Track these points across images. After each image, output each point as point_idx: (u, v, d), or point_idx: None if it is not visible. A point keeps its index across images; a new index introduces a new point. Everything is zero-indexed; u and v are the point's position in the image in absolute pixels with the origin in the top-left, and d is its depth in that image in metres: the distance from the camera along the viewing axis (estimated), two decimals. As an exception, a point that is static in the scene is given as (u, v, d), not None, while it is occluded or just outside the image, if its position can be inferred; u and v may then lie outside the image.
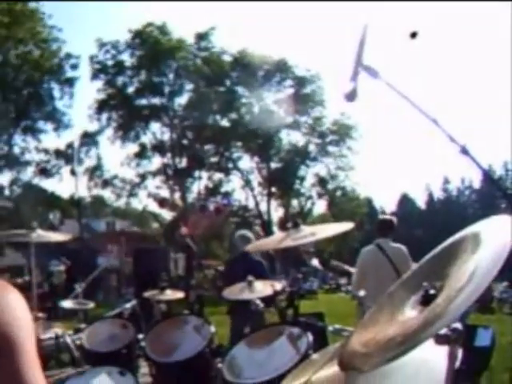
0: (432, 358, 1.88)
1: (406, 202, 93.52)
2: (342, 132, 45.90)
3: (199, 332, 5.17)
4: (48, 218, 42.36)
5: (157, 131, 46.72)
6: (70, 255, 21.69)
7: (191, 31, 45.22)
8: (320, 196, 48.41)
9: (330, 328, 4.25)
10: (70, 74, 43.06)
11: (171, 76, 45.01)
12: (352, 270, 8.33)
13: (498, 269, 1.49)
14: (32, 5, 40.06)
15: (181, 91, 45.87)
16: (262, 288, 5.46)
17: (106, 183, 46.62)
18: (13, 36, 38.72)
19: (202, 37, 45.00)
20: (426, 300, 1.71)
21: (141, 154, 46.51)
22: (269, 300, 5.69)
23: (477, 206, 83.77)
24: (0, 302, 1.94)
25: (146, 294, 6.83)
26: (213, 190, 47.16)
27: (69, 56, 42.53)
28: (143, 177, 46.82)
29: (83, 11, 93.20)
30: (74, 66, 42.88)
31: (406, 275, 2.18)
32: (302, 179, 47.48)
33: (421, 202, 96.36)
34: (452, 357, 1.64)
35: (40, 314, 6.46)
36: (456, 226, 2.23)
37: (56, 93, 43.11)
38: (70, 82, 43.17)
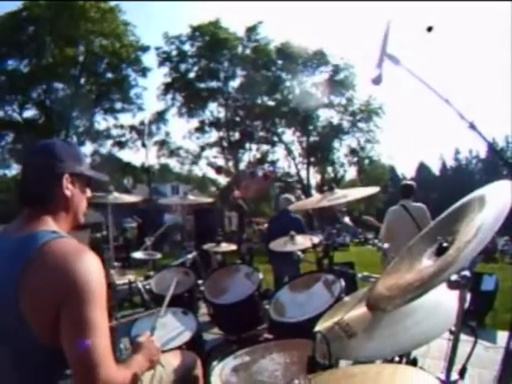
0: (445, 300, 1.87)
1: (423, 169, 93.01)
2: (370, 111, 45.62)
3: (249, 278, 5.19)
4: (122, 183, 42.59)
5: (214, 110, 46.92)
6: (140, 214, 21.84)
7: (242, 26, 45.59)
8: (351, 164, 48.14)
9: (359, 275, 4.23)
10: (144, 64, 43.76)
11: (226, 63, 45.01)
12: (378, 224, 8.32)
13: (500, 225, 1.48)
14: (112, 3, 40.93)
15: (234, 76, 45.85)
16: (302, 241, 5.46)
17: (172, 153, 47.00)
18: (97, 30, 39.47)
19: (251, 30, 45.03)
20: (440, 251, 1.71)
21: (200, 129, 46.75)
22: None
23: (482, 173, 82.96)
24: (73, 265, 1.99)
25: (205, 247, 6.87)
26: (261, 159, 47.06)
27: (142, 47, 43.18)
28: (203, 148, 47.12)
29: (149, 10, 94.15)
30: (145, 49, 43.52)
31: (422, 231, 2.17)
32: (336, 150, 47.27)
33: (435, 169, 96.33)
34: (462, 299, 1.64)
35: (116, 264, 6.52)
36: (465, 190, 2.23)
37: (132, 79, 43.74)
38: (144, 70, 43.75)
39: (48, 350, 2.03)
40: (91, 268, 2.05)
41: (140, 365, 2.32)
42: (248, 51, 44.86)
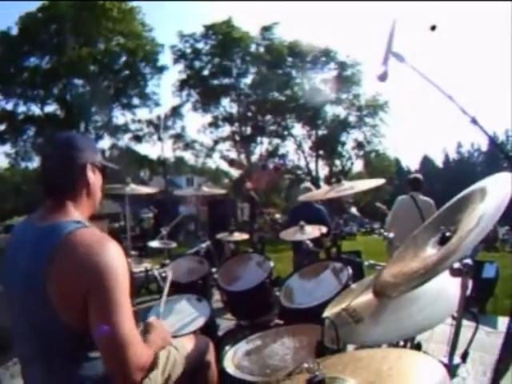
0: (448, 287, 1.88)
1: (426, 162, 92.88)
2: (376, 106, 45.65)
3: (261, 266, 5.19)
4: (139, 175, 42.88)
5: (227, 105, 47.06)
6: (157, 205, 21.89)
7: (253, 24, 45.90)
8: (358, 157, 48.19)
9: (366, 263, 4.25)
10: (160, 61, 44.17)
11: (238, 61, 45.17)
12: (388, 212, 8.33)
13: (500, 215, 1.48)
14: (132, 3, 41.56)
15: (246, 73, 45.99)
16: (311, 231, 5.46)
17: (187, 146, 47.18)
18: (117, 29, 39.96)
19: (266, 29, 45.16)
20: (443, 240, 1.72)
21: (214, 124, 46.96)
22: (317, 240, 5.72)
23: (484, 166, 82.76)
24: (98, 254, 2.03)
25: (218, 236, 6.87)
26: (272, 153, 47.25)
27: (158, 46, 43.54)
28: (216, 142, 47.29)
29: (165, 10, 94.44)
30: (161, 47, 43.94)
31: (426, 221, 2.17)
32: (344, 144, 47.31)
33: (439, 162, 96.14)
34: (464, 286, 1.65)
35: (133, 252, 6.57)
36: (467, 182, 2.23)
37: (148, 76, 43.98)
38: (160, 68, 44.07)
39: (73, 334, 2.07)
40: (115, 256, 2.11)
41: (155, 344, 2.40)
42: (261, 49, 45.01)
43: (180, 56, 45.14)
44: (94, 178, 2.42)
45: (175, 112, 46.00)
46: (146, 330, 2.52)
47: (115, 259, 2.10)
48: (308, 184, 9.56)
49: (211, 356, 2.96)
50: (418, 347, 3.14)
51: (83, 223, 2.20)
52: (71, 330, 2.06)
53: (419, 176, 8.24)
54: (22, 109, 40.65)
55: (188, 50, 45.34)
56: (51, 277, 2.02)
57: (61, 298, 2.03)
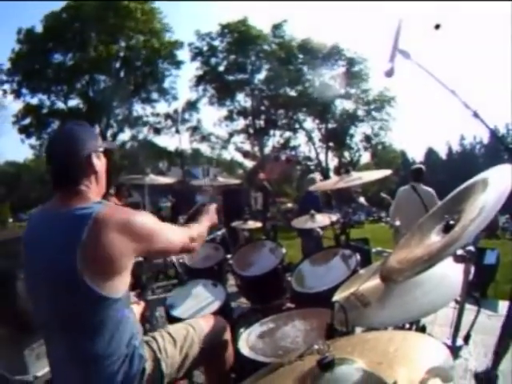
0: (451, 272, 1.88)
1: (431, 154, 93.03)
2: (383, 101, 45.90)
3: (273, 253, 5.20)
4: (158, 166, 43.05)
5: (241, 100, 47.50)
6: (174, 194, 21.90)
7: (267, 23, 46.16)
8: (365, 149, 48.41)
9: (373, 250, 4.27)
10: (178, 58, 44.51)
11: (253, 58, 45.56)
12: (392, 201, 8.33)
13: (501, 205, 1.49)
14: (152, 4, 42.29)
15: (260, 69, 46.40)
16: (322, 219, 5.47)
17: (203, 139, 47.55)
18: (138, 28, 40.34)
19: (276, 27, 45.58)
20: (447, 228, 1.72)
21: (229, 117, 47.37)
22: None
23: (485, 158, 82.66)
24: (131, 221, 2.27)
25: (233, 224, 6.87)
26: (283, 145, 47.59)
27: (177, 44, 43.83)
28: (231, 134, 47.68)
29: (183, 9, 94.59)
30: (181, 49, 44.43)
31: (431, 210, 2.17)
32: (352, 136, 47.63)
33: (443, 154, 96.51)
34: (466, 272, 1.66)
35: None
36: (469, 173, 2.23)
37: (166, 72, 44.35)
38: (178, 64, 44.42)
39: (102, 304, 2.15)
40: (145, 214, 2.38)
41: (203, 224, 3.00)
42: (273, 46, 45.28)
43: (197, 53, 45.69)
44: (100, 164, 2.49)
45: (192, 106, 46.34)
46: (198, 211, 3.02)
47: (147, 216, 2.36)
48: (312, 175, 9.69)
49: (228, 336, 2.98)
50: (422, 329, 3.15)
51: (105, 202, 2.30)
52: (99, 300, 2.13)
53: (420, 166, 8.21)
54: (46, 103, 41.13)
55: (205, 48, 45.85)
56: (86, 257, 2.07)
57: (97, 273, 2.10)
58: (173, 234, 2.53)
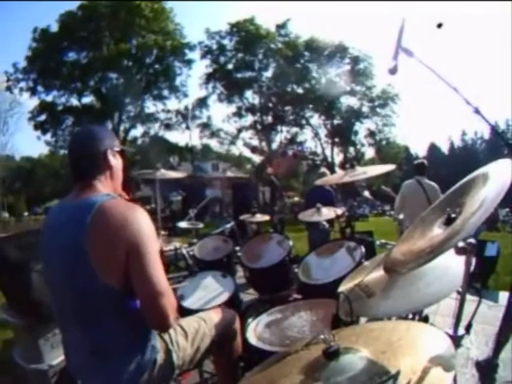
0: (453, 264, 1.88)
1: (433, 149, 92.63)
2: (387, 98, 46.04)
3: (281, 245, 5.20)
4: (169, 161, 43.12)
5: (249, 97, 47.72)
6: (185, 188, 21.93)
7: (274, 22, 46.26)
8: (370, 145, 48.49)
9: (378, 242, 4.23)
10: (188, 56, 44.94)
11: (260, 56, 45.75)
12: (394, 195, 8.31)
13: (501, 198, 1.49)
14: (163, 3, 42.68)
15: (267, 67, 46.58)
16: (327, 213, 5.46)
17: (213, 135, 47.65)
18: (150, 27, 40.75)
19: (281, 26, 45.86)
20: (449, 221, 1.72)
21: (238, 114, 47.58)
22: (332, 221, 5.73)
23: (486, 153, 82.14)
24: (131, 218, 2.13)
25: (242, 217, 6.89)
26: (290, 140, 47.73)
27: (187, 43, 44.33)
28: (239, 130, 47.83)
29: (194, 9, 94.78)
30: (191, 48, 44.86)
31: (434, 204, 2.17)
32: (357, 132, 47.82)
33: (445, 149, 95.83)
34: (468, 264, 1.65)
35: (163, 232, 6.58)
36: (471, 167, 2.23)
37: (177, 69, 44.75)
38: (188, 62, 44.77)
39: (111, 292, 2.16)
40: (145, 219, 2.27)
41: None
42: (280, 45, 45.33)
43: (207, 51, 45.94)
44: (116, 161, 2.53)
45: (202, 103, 46.64)
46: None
47: (146, 222, 2.26)
48: (323, 169, 9.68)
49: (237, 327, 2.99)
50: (425, 320, 3.15)
51: (112, 195, 2.35)
52: (109, 288, 2.15)
53: (423, 161, 8.19)
54: (61, 100, 41.35)
55: (214, 46, 46.13)
56: (90, 243, 2.11)
57: (101, 260, 2.13)
58: (160, 268, 2.23)
